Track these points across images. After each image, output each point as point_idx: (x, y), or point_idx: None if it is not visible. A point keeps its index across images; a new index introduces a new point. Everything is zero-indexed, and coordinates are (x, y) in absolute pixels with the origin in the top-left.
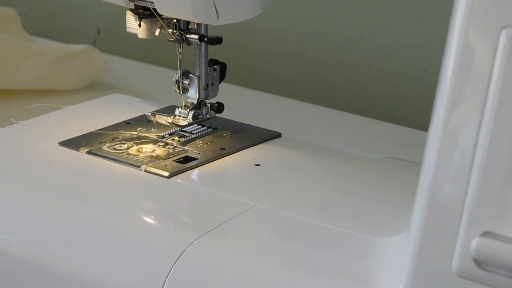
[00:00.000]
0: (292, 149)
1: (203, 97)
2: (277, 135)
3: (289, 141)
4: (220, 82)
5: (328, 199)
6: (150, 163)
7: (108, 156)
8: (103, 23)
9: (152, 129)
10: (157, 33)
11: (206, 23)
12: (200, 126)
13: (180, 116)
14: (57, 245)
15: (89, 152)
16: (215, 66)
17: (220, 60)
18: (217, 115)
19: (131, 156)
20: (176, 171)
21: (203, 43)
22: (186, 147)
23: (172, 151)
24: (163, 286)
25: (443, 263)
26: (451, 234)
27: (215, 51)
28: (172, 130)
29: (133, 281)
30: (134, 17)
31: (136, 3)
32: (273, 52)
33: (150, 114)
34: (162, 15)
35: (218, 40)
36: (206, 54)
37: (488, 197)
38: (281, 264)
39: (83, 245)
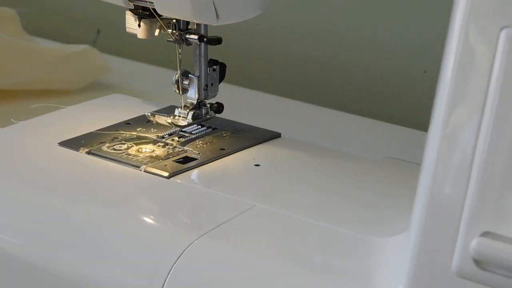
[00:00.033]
0: (291, 149)
1: (203, 97)
2: (277, 135)
3: (288, 141)
4: (219, 83)
5: (328, 199)
6: (150, 163)
7: (108, 156)
8: (103, 23)
9: (152, 129)
10: (156, 33)
11: (205, 23)
12: (199, 126)
13: (179, 116)
14: (57, 245)
15: (88, 152)
16: (215, 67)
17: (220, 60)
18: (217, 115)
19: (130, 156)
20: (176, 171)
21: (202, 43)
22: (185, 147)
23: (171, 151)
24: (163, 286)
25: (443, 263)
26: (451, 234)
27: (214, 52)
28: (171, 130)
29: (133, 281)
30: (133, 17)
31: (135, 3)
32: (273, 52)
33: (149, 114)
34: (161, 15)
35: (217, 40)
36: (206, 54)
37: (488, 197)
38: (281, 264)
39: (83, 245)
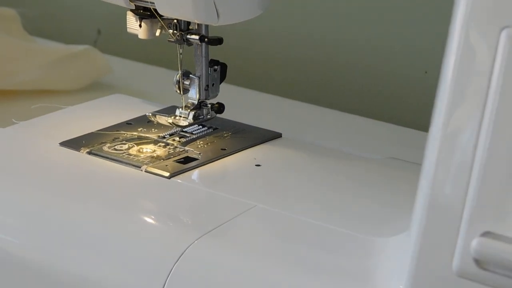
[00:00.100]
0: (292, 149)
1: (204, 98)
2: (278, 135)
3: (289, 141)
4: (220, 83)
5: (329, 199)
6: (151, 164)
7: (109, 156)
8: (104, 23)
9: (153, 129)
10: (157, 33)
11: (206, 23)
12: (200, 127)
13: (180, 116)
14: (57, 245)
15: (89, 153)
16: (216, 67)
17: (221, 60)
18: (218, 115)
19: (131, 156)
20: (177, 172)
21: (203, 44)
22: (186, 148)
23: (172, 151)
24: (164, 286)
25: (443, 263)
26: (451, 234)
27: (215, 52)
28: (172, 131)
29: (133, 281)
30: (134, 18)
31: (136, 4)
32: (274, 53)
33: (150, 114)
34: (162, 16)
35: (218, 41)
36: (207, 55)
37: (488, 197)
38: (282, 264)
39: (84, 246)
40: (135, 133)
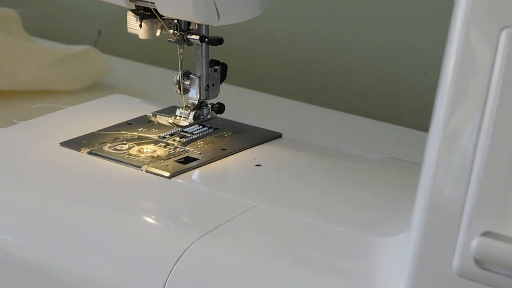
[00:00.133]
0: (292, 149)
1: (204, 98)
2: (278, 135)
3: (289, 141)
4: (221, 83)
5: (329, 199)
6: (151, 164)
7: (109, 156)
8: (104, 24)
9: (153, 129)
10: (158, 33)
11: (207, 23)
12: (201, 127)
13: (181, 116)
14: (58, 246)
15: (90, 153)
16: (216, 67)
17: (221, 60)
18: (218, 115)
19: (132, 156)
20: (177, 172)
21: (204, 44)
22: (187, 148)
23: (173, 151)
24: (164, 286)
25: (444, 263)
26: (452, 234)
27: (216, 52)
28: (173, 131)
29: (134, 281)
30: (135, 18)
31: (137, 4)
32: (274, 53)
33: (151, 114)
34: (163, 16)
35: (219, 41)
36: (207, 55)
37: (489, 197)
38: (282, 264)
39: (84, 245)
40: (135, 133)
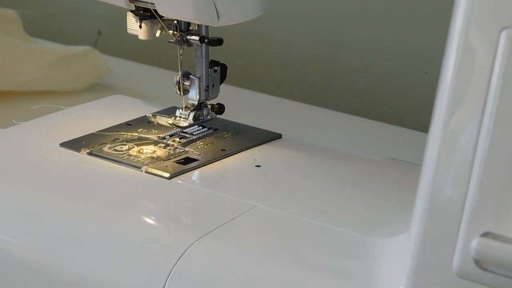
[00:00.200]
0: (292, 150)
1: (204, 98)
2: (278, 136)
3: (289, 142)
4: (220, 84)
5: (329, 199)
6: (151, 164)
7: (109, 157)
8: (104, 24)
9: (153, 130)
10: (157, 34)
11: (206, 24)
12: (200, 127)
13: (180, 117)
14: (58, 246)
15: (90, 153)
16: (216, 68)
17: (221, 61)
18: (218, 116)
19: (132, 157)
20: (177, 172)
21: (203, 44)
22: (186, 148)
23: (172, 152)
24: (164, 286)
25: (444, 263)
26: (452, 234)
27: (215, 53)
28: (172, 131)
29: (134, 281)
30: (134, 19)
31: (136, 4)
32: (274, 54)
33: (150, 115)
34: (162, 16)
35: (218, 41)
36: (207, 55)
37: (488, 197)
38: (282, 264)
39: (84, 246)
40: (135, 134)
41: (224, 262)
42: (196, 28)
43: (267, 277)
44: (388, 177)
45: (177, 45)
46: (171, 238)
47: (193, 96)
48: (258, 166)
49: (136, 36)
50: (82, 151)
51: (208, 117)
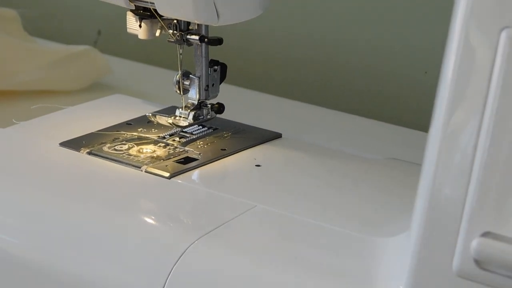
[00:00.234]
0: (292, 149)
1: (204, 98)
2: (278, 135)
3: (289, 141)
4: (220, 83)
5: (329, 199)
6: (151, 164)
7: (109, 156)
8: (104, 24)
9: (153, 129)
10: (157, 34)
11: (206, 23)
12: (200, 127)
13: (180, 116)
14: (58, 246)
15: (89, 153)
16: (216, 67)
17: (221, 61)
18: (218, 115)
19: (131, 156)
20: (177, 172)
21: (203, 44)
22: (186, 148)
23: (172, 151)
24: (164, 286)
25: (444, 263)
26: (452, 234)
27: (215, 52)
28: (172, 131)
29: (133, 281)
30: (134, 18)
31: (136, 4)
32: (274, 53)
33: (150, 114)
34: (162, 16)
35: (218, 41)
36: (207, 55)
37: (488, 197)
38: (282, 264)
39: (84, 246)
40: (135, 134)
41: (224, 261)
42: (196, 27)
43: (267, 277)
44: (388, 177)
45: (177, 45)
46: (171, 238)
47: (193, 95)
48: (258, 165)
49: (136, 36)
50: (82, 151)
51: (208, 117)
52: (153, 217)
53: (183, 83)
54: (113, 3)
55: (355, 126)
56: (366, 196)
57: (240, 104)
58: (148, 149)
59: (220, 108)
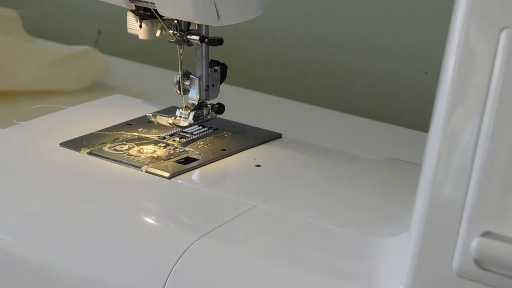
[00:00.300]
0: (292, 150)
1: (204, 98)
2: (278, 136)
3: (289, 142)
4: (220, 83)
5: (329, 199)
6: (151, 164)
7: (109, 157)
8: (104, 24)
9: (153, 130)
10: (158, 34)
11: (207, 24)
12: (201, 127)
13: (181, 117)
14: (58, 246)
15: (90, 153)
16: (216, 67)
17: (221, 61)
18: (218, 116)
19: (132, 157)
20: (177, 172)
21: (203, 44)
22: (187, 148)
23: (173, 152)
24: (164, 286)
25: (444, 263)
26: (452, 234)
27: (215, 52)
28: (173, 131)
29: (133, 281)
30: (135, 18)
31: (137, 4)
32: (274, 53)
33: (151, 115)
34: (163, 16)
35: (218, 41)
36: (207, 55)
37: (488, 197)
38: (282, 264)
39: (84, 246)
40: (135, 134)
41: (224, 262)
42: (196, 27)
43: (267, 277)
44: (388, 177)
45: (177, 45)
46: (171, 238)
47: (193, 95)
48: (258, 166)
49: (136, 36)
50: (82, 151)
51: (208, 117)
52: (153, 217)
53: (183, 83)
54: (113, 3)
55: (355, 126)
56: (366, 196)
57: (240, 104)
58: (148, 149)
59: (220, 108)
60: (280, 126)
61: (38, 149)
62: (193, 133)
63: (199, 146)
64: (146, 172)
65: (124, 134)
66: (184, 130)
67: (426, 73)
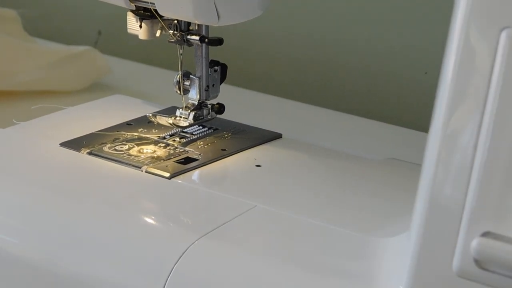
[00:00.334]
0: (292, 150)
1: (204, 98)
2: (278, 136)
3: (289, 142)
4: (221, 83)
5: (329, 199)
6: (151, 164)
7: (109, 157)
8: (104, 24)
9: (153, 130)
10: (158, 34)
11: (207, 24)
12: (201, 127)
13: (181, 117)
14: (58, 246)
15: (90, 153)
16: (216, 67)
17: (221, 61)
18: (218, 116)
19: (132, 157)
20: (177, 172)
21: (204, 44)
22: (187, 148)
23: (173, 152)
24: (164, 286)
25: (444, 263)
26: (452, 234)
27: (216, 52)
28: (173, 131)
29: (133, 282)
30: (135, 18)
31: (137, 4)
32: (274, 53)
33: (151, 115)
34: (163, 16)
35: (219, 41)
36: (207, 55)
37: (488, 197)
38: (282, 264)
39: (84, 246)
40: (135, 134)
41: (224, 262)
42: (196, 28)
43: (267, 277)
44: (388, 177)
45: (177, 45)
46: (171, 238)
47: (193, 96)
48: (258, 166)
49: (136, 36)
50: (82, 151)
51: (208, 117)
52: (153, 217)
53: (183, 84)
54: (113, 3)
55: (355, 126)
56: (366, 196)
57: (240, 104)
58: (148, 149)
59: (220, 108)
60: (280, 126)
61: (38, 149)
62: (193, 133)
63: (199, 146)
64: (146, 172)
65: (124, 134)
66: (184, 130)
67: (426, 73)
